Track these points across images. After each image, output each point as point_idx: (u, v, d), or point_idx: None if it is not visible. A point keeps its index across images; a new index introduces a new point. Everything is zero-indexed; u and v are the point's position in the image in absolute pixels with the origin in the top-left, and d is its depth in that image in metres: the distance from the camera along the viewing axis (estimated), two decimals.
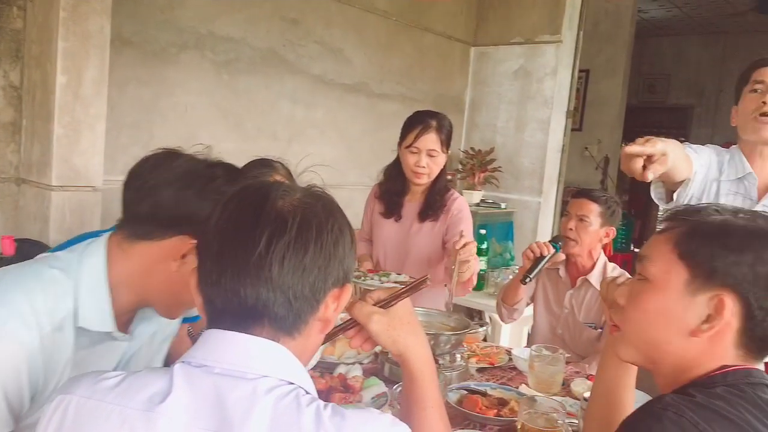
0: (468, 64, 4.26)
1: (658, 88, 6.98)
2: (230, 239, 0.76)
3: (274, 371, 0.75)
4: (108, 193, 2.27)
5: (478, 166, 3.96)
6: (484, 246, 3.50)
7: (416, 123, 2.14)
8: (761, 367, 0.90)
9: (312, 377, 1.52)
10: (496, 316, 2.62)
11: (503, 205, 4.00)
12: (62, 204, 2.18)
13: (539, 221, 4.03)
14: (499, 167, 3.97)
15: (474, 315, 3.49)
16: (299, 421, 0.70)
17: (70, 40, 2.14)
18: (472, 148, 4.07)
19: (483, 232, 3.58)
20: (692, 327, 0.87)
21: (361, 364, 1.74)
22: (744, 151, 1.72)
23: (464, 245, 1.81)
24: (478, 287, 3.38)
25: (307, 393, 0.77)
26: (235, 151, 2.79)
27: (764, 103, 1.61)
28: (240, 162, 1.28)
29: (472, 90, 4.27)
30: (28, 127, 2.25)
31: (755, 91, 1.65)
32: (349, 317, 1.00)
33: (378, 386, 1.57)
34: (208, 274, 0.76)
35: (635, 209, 6.52)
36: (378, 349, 1.84)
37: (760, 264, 0.84)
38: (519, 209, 4.05)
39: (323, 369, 1.67)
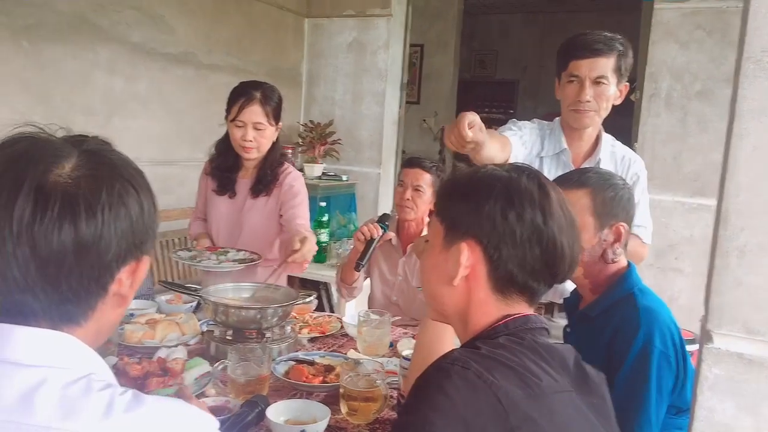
0: (303, 36, 4.20)
1: (488, 63, 7.43)
2: None
3: (61, 362, 0.69)
4: None
5: (318, 139, 3.95)
6: (326, 218, 3.52)
7: (239, 95, 2.07)
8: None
9: (128, 363, 1.44)
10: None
11: (344, 177, 4.04)
12: None
13: (380, 191, 4.13)
14: (339, 140, 3.99)
15: (320, 287, 3.52)
16: (87, 407, 0.65)
17: None
18: (311, 121, 4.04)
19: (324, 204, 3.59)
20: (450, 276, 0.94)
21: (186, 345, 1.67)
22: (564, 126, 1.92)
23: (296, 251, 1.79)
24: (320, 259, 3.40)
25: (102, 381, 0.71)
26: (44, 127, 2.53)
27: (579, 101, 1.80)
28: None
29: (309, 62, 4.24)
30: None
31: (572, 82, 1.82)
32: None
33: (201, 366, 1.52)
34: None
35: None
36: (204, 327, 1.78)
37: (482, 209, 0.91)
38: (360, 181, 4.11)
39: (142, 354, 1.58)
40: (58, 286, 0.69)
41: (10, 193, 0.66)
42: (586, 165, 1.89)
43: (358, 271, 2.13)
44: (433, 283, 1.00)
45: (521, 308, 0.95)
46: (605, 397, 0.99)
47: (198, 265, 1.95)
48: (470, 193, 0.94)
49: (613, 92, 1.81)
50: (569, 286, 1.52)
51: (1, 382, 0.66)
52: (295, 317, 1.91)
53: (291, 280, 2.67)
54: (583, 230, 1.31)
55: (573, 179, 1.40)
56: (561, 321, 1.78)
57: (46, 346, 0.70)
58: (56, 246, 0.67)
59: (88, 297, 0.73)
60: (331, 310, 3.46)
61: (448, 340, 1.21)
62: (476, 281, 0.93)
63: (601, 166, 1.83)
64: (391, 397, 1.45)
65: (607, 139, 1.93)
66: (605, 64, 1.78)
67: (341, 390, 1.39)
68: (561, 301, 1.73)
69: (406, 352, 1.60)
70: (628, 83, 1.85)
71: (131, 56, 3.04)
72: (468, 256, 0.92)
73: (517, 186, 0.92)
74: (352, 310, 3.28)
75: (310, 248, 1.84)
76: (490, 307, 0.94)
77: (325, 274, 3.35)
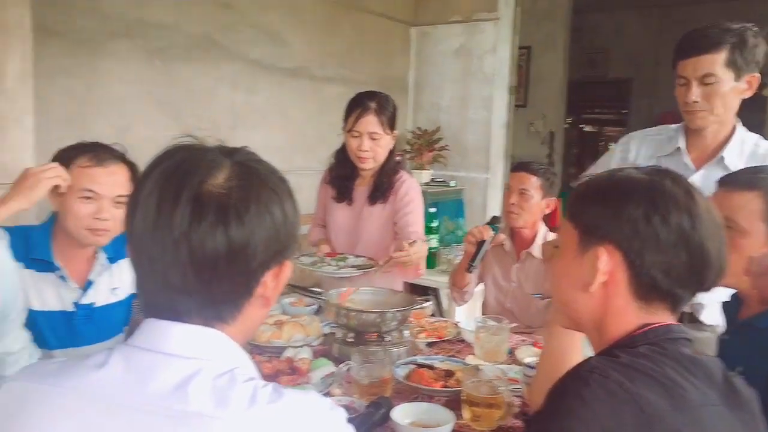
0: (409, 44, 4.25)
1: (598, 62, 7.12)
2: (151, 221, 0.72)
3: (211, 355, 0.74)
4: None
5: (425, 145, 3.97)
6: (435, 224, 3.53)
7: (355, 106, 2.13)
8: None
9: (258, 362, 1.52)
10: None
11: (452, 183, 4.03)
12: None
13: (488, 197, 4.09)
14: (446, 146, 4.00)
15: (429, 292, 3.53)
16: (234, 396, 0.70)
17: None
18: (418, 128, 4.08)
19: (433, 210, 3.61)
20: (586, 283, 0.91)
21: (310, 346, 1.74)
22: (684, 126, 1.86)
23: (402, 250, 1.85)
24: (431, 265, 3.41)
25: (245, 374, 0.76)
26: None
27: (686, 102, 1.74)
28: None
29: (415, 70, 4.28)
30: None
31: (681, 84, 1.75)
32: None
33: (326, 367, 1.57)
34: (134, 261, 0.76)
35: None
36: (327, 330, 1.84)
37: (622, 212, 0.87)
38: (468, 186, 4.09)
39: (271, 353, 1.67)
40: (211, 289, 0.74)
41: (171, 203, 0.72)
42: (707, 166, 1.80)
43: (470, 272, 2.13)
44: (565, 289, 0.97)
45: (663, 317, 0.91)
46: (755, 414, 0.92)
47: (319, 271, 2.02)
48: (609, 196, 0.91)
49: (730, 88, 1.69)
50: None
51: (159, 371, 0.72)
52: (413, 322, 1.93)
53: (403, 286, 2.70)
54: (752, 237, 1.22)
55: (741, 180, 1.28)
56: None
57: (198, 340, 0.75)
58: (210, 252, 0.72)
59: (237, 298, 0.77)
60: (441, 316, 3.47)
61: (578, 349, 1.17)
62: (615, 288, 0.90)
63: (726, 164, 1.73)
64: (515, 404, 1.43)
65: (749, 138, 1.81)
66: (712, 61, 1.67)
67: (463, 395, 1.38)
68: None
69: (529, 360, 1.57)
70: (758, 74, 1.72)
71: (252, 72, 3.22)
72: (606, 262, 0.89)
73: (660, 189, 0.88)
74: (463, 316, 3.28)
75: (418, 251, 1.87)
76: (630, 315, 0.91)
77: (435, 279, 3.36)
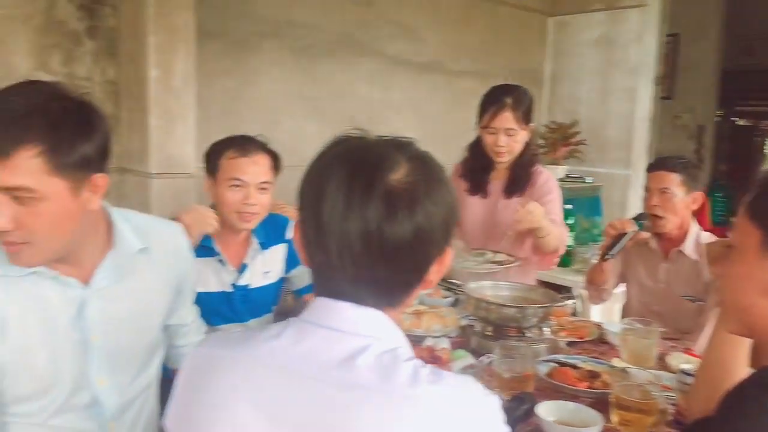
0: (546, 35, 4.12)
1: (757, 49, 6.46)
2: (340, 212, 0.75)
3: (378, 335, 0.78)
4: (200, 179, 2.39)
5: (561, 140, 3.83)
6: (571, 221, 3.40)
7: (490, 103, 2.10)
8: None
9: None
10: (585, 293, 2.55)
11: (589, 179, 3.86)
12: (161, 190, 2.31)
13: (628, 195, 3.87)
14: (584, 140, 3.83)
15: (562, 291, 3.42)
16: (398, 373, 0.73)
17: (159, 35, 2.25)
18: (553, 122, 3.95)
19: (568, 207, 3.47)
20: None
21: (448, 337, 1.75)
22: None
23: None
24: (565, 263, 3.29)
25: (406, 354, 0.79)
26: (317, 134, 2.86)
27: None
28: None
29: (552, 61, 4.14)
30: (126, 120, 2.40)
31: None
32: None
33: (465, 358, 1.58)
34: (315, 246, 0.79)
35: (735, 179, 6.10)
36: (464, 322, 1.85)
37: None
38: (606, 183, 3.89)
39: (412, 341, 1.69)
40: (393, 276, 0.78)
41: (362, 196, 0.74)
42: None
43: (605, 261, 2.03)
44: (744, 293, 0.90)
45: None
46: None
47: (459, 266, 2.02)
48: None
49: None
50: None
51: (330, 345, 0.76)
52: (553, 319, 1.88)
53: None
54: None
55: None
56: None
57: (368, 321, 0.78)
58: (400, 243, 0.75)
59: (412, 284, 0.81)
60: (573, 314, 3.34)
61: (744, 357, 1.08)
62: None
63: None
64: (669, 412, 1.35)
65: None
66: None
67: (612, 398, 1.32)
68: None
69: (684, 366, 1.47)
70: None
71: (388, 67, 3.29)
72: None
73: None
74: (598, 317, 3.13)
75: (532, 210, 1.90)
76: None
77: (570, 278, 3.24)
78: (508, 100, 2.07)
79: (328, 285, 0.80)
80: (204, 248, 1.72)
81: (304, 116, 2.98)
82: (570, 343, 1.82)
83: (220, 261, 1.76)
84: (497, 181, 2.22)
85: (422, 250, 0.77)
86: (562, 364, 1.58)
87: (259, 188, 1.71)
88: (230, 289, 1.77)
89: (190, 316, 1.42)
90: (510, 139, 2.08)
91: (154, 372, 1.31)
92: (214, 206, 1.75)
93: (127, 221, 1.21)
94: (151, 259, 1.24)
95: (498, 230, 2.19)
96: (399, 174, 0.76)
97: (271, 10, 2.81)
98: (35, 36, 2.21)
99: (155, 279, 1.26)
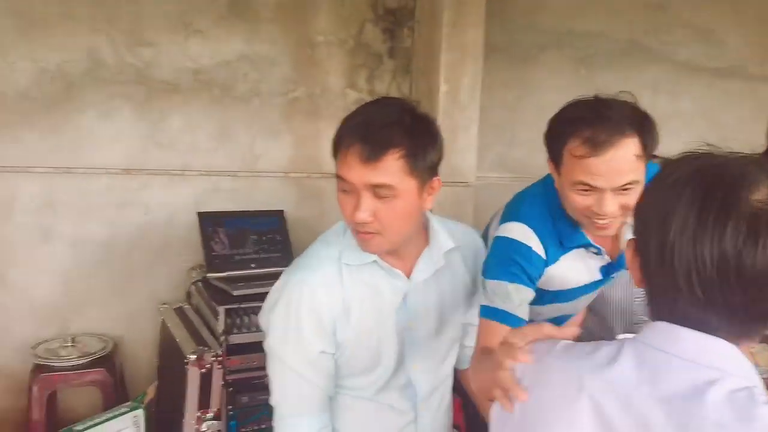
0: None
1: None
2: (691, 232, 0.71)
3: (729, 369, 0.71)
4: (478, 188, 2.48)
5: None
6: None
7: None
8: None
9: None
10: None
11: None
12: (444, 198, 2.45)
13: None
14: None
15: None
16: (753, 414, 0.66)
17: (450, 53, 2.39)
18: None
19: None
20: None
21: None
22: None
23: None
24: None
25: (763, 396, 0.71)
26: None
27: None
28: None
29: None
30: None
31: None
32: None
33: None
34: (655, 266, 0.75)
35: None
36: None
37: None
38: None
39: None
40: (752, 306, 0.71)
41: (718, 217, 0.69)
42: None
43: None
44: None
45: None
46: None
47: None
48: None
49: None
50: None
51: (672, 372, 0.72)
52: None
53: None
54: None
55: None
56: None
57: (716, 351, 0.72)
58: (761, 270, 0.68)
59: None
60: None
61: None
62: None
63: None
64: None
65: None
66: None
67: None
68: None
69: None
70: None
71: (676, 74, 3.03)
72: None
73: None
74: None
75: None
76: None
77: None
78: None
79: (669, 308, 0.76)
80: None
81: (538, 126, 2.90)
82: None
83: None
84: None
85: None
86: None
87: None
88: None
89: (477, 317, 1.47)
90: None
91: (451, 364, 1.40)
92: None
93: (440, 223, 1.31)
94: (457, 259, 1.34)
95: None
96: (761, 194, 0.69)
97: (554, 21, 2.80)
98: (347, 58, 2.52)
99: (460, 277, 1.36)
